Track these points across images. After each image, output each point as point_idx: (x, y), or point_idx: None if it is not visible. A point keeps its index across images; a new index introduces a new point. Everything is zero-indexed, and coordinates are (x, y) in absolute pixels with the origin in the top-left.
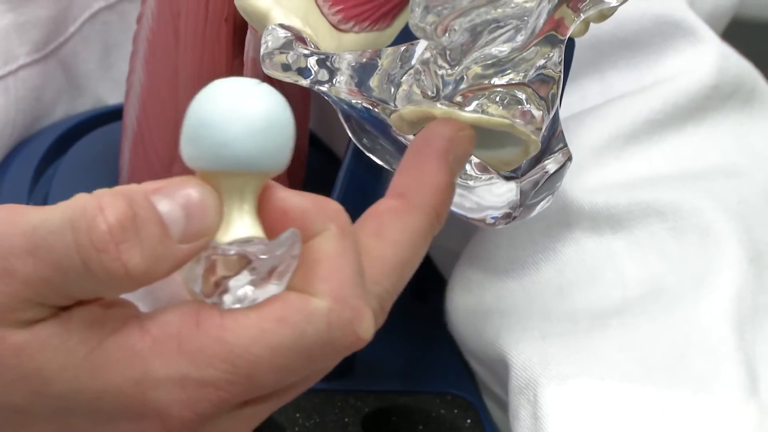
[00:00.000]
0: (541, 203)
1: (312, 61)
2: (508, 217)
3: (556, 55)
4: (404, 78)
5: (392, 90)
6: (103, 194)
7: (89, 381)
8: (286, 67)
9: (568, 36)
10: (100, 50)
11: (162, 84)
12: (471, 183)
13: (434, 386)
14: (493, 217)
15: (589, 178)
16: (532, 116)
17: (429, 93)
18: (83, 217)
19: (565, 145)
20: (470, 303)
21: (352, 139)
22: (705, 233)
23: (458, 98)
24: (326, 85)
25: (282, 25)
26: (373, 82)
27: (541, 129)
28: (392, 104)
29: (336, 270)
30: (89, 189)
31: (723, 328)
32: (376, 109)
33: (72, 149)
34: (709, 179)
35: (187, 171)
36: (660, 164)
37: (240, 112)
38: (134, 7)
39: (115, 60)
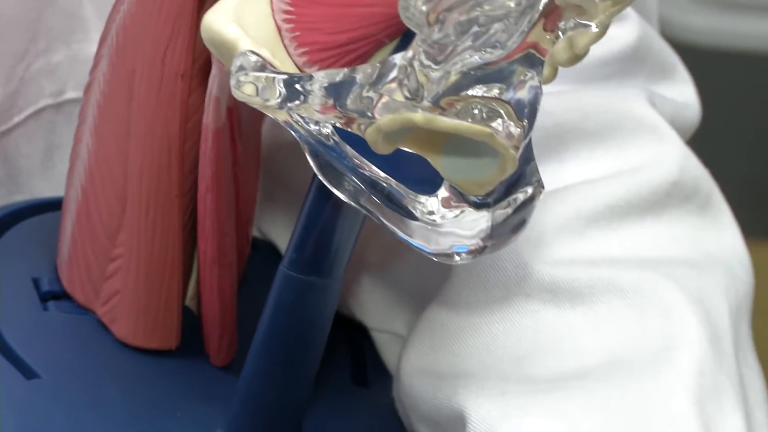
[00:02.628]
0: (513, 236)
1: (282, 83)
2: (478, 250)
3: (535, 78)
4: (384, 88)
5: (371, 102)
6: None
7: None
8: (255, 89)
9: (546, 58)
10: (43, 149)
11: (111, 148)
12: (438, 220)
13: None
14: (458, 249)
15: (550, 252)
16: (511, 133)
17: (411, 94)
18: None
19: (540, 179)
20: (424, 365)
21: (318, 175)
22: (666, 312)
23: (440, 105)
24: (296, 103)
25: (253, 51)
26: (350, 99)
27: (518, 148)
28: (369, 114)
29: None
30: (25, 272)
31: (684, 399)
32: (350, 128)
33: (5, 236)
34: (670, 266)
35: (130, 244)
36: (620, 249)
37: None
38: None
39: (57, 161)
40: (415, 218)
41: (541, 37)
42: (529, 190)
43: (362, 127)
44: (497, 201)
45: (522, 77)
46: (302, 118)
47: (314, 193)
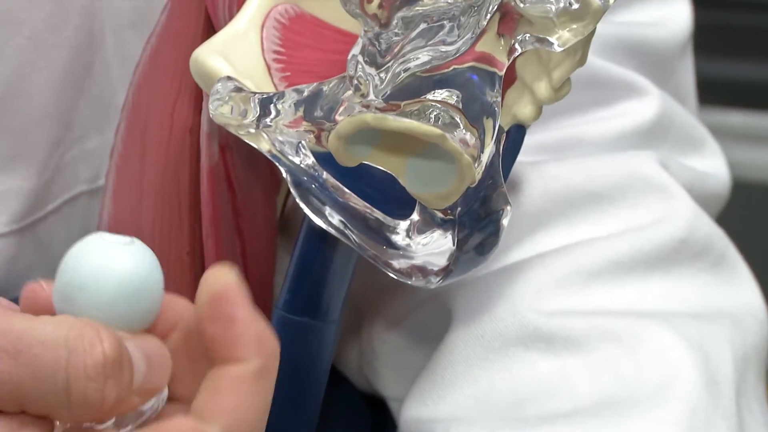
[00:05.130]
0: (480, 258)
1: (257, 101)
2: (444, 270)
3: (492, 94)
4: (345, 95)
5: (334, 108)
6: (95, 325)
7: None
8: (231, 110)
9: (503, 71)
10: (78, 234)
11: (127, 209)
12: (412, 246)
13: None
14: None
15: (548, 303)
16: (466, 140)
17: (359, 89)
18: (81, 340)
19: (508, 203)
20: (423, 415)
21: (301, 205)
22: (662, 355)
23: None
24: (269, 119)
25: (230, 78)
26: (317, 110)
27: (476, 158)
28: (332, 119)
29: (239, 407)
30: None
31: None
32: (320, 143)
33: None
34: (670, 316)
35: None
36: (622, 303)
37: (114, 277)
38: None
39: None
40: (394, 246)
41: (494, 46)
42: (499, 210)
43: (328, 137)
44: (462, 220)
45: (478, 91)
46: (284, 145)
47: (305, 231)
